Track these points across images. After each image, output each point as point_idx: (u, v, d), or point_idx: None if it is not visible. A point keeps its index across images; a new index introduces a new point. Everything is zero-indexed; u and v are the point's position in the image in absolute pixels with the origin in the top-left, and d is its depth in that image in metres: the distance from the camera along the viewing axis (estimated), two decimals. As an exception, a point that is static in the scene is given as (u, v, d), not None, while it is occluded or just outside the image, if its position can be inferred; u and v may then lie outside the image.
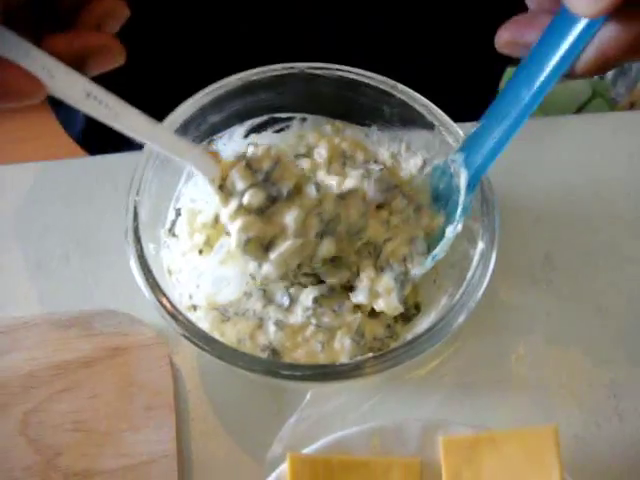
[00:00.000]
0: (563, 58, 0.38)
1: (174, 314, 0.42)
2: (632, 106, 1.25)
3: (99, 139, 0.79)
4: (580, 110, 1.21)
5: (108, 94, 0.38)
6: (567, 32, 0.38)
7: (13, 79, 0.34)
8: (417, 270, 0.48)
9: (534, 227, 0.59)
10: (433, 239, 0.49)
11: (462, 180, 0.46)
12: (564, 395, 0.52)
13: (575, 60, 0.38)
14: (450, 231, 0.47)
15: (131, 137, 0.40)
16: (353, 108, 0.52)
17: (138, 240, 0.44)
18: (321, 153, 0.52)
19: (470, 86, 0.69)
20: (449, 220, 0.48)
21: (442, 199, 0.49)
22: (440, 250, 0.47)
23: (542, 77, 0.40)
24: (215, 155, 0.45)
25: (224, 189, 0.44)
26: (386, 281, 0.47)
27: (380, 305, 0.47)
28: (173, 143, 0.43)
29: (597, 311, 0.55)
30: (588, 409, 0.51)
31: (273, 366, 0.41)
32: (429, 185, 0.50)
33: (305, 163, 0.51)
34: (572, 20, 0.37)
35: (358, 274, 0.48)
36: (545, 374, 0.52)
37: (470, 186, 0.46)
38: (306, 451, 0.45)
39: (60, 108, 0.79)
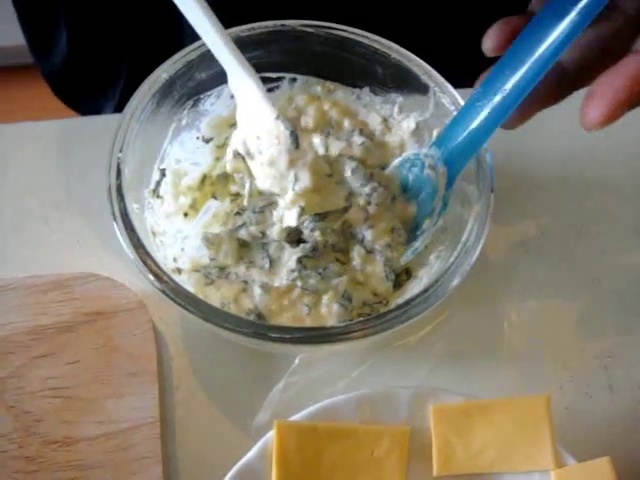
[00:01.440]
0: (546, 57, 0.38)
1: (158, 274, 0.41)
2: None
3: (74, 84, 0.77)
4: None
5: None
6: (551, 28, 0.37)
7: None
8: (398, 261, 0.48)
9: (527, 195, 0.58)
10: (407, 229, 0.49)
11: (441, 177, 0.45)
12: (555, 365, 0.51)
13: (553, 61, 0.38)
14: (431, 225, 0.47)
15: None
16: (345, 69, 0.51)
17: (121, 198, 0.43)
18: (308, 122, 0.50)
19: (467, 51, 0.68)
20: (423, 211, 0.48)
21: (413, 190, 0.49)
22: (421, 244, 0.47)
23: (520, 75, 0.39)
24: None
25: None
26: (376, 264, 0.46)
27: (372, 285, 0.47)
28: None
29: (589, 281, 0.55)
30: (579, 380, 0.51)
31: (261, 328, 0.39)
32: (398, 175, 0.49)
33: None
34: (558, 15, 0.37)
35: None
36: (536, 344, 0.52)
37: (449, 183, 0.45)
38: (293, 418, 0.44)
39: (36, 37, 0.76)
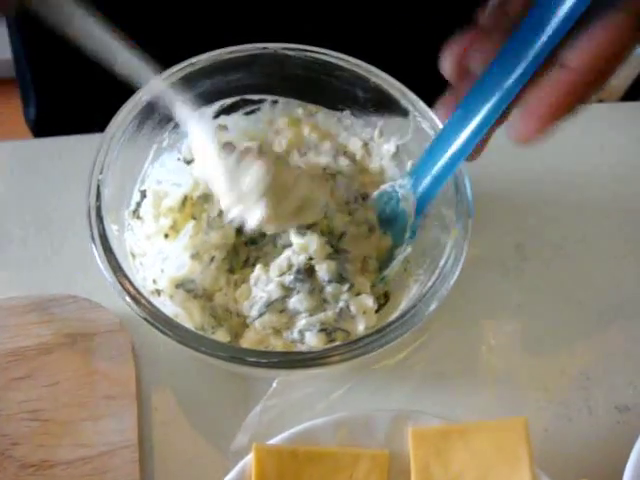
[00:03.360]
0: (501, 99, 0.38)
1: (136, 297, 0.40)
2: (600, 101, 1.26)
3: (52, 126, 0.77)
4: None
5: None
6: (514, 61, 0.37)
7: None
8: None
9: (505, 217, 0.58)
10: (381, 260, 0.49)
11: (410, 204, 0.46)
12: (535, 387, 0.51)
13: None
14: (400, 253, 0.47)
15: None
16: (326, 92, 0.51)
17: (101, 220, 0.42)
18: (282, 143, 0.51)
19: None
20: (396, 243, 0.48)
21: (388, 223, 0.49)
22: (390, 271, 0.47)
23: (482, 115, 0.40)
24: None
25: None
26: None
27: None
28: None
29: (568, 303, 0.55)
30: (558, 402, 0.51)
31: (238, 352, 0.39)
32: (376, 208, 0.49)
33: None
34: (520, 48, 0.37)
35: None
36: (516, 366, 0.52)
37: (418, 210, 0.46)
38: (272, 442, 0.43)
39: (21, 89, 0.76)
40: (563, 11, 0.35)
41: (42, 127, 0.76)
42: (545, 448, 0.49)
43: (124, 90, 0.45)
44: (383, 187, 0.49)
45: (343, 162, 0.51)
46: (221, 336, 0.45)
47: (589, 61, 0.35)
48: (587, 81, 0.36)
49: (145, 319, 0.40)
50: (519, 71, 0.38)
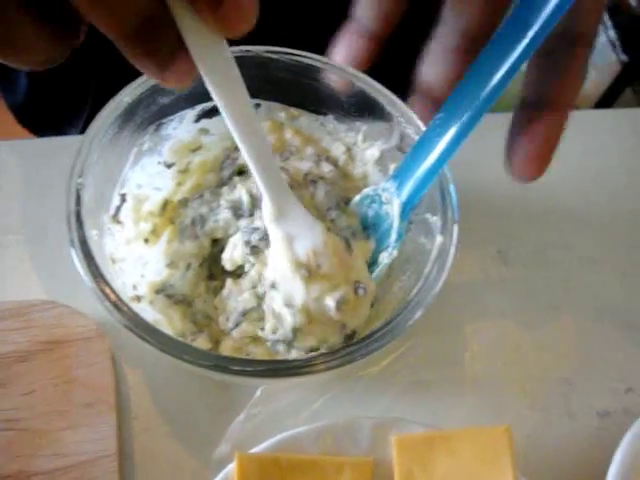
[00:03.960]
0: (485, 101, 0.39)
1: (117, 304, 0.39)
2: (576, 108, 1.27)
3: (39, 114, 0.75)
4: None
5: None
6: (500, 59, 0.38)
7: None
8: None
9: (486, 223, 0.58)
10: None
11: (395, 208, 0.45)
12: (517, 394, 0.51)
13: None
14: (385, 257, 0.46)
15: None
16: (309, 95, 0.50)
17: (80, 225, 0.41)
18: None
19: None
20: (380, 247, 0.47)
21: (371, 226, 0.48)
22: (375, 276, 0.46)
23: (465, 117, 0.40)
24: None
25: None
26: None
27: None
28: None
29: (550, 309, 0.55)
30: (540, 408, 0.50)
31: (222, 361, 0.38)
32: (358, 212, 0.49)
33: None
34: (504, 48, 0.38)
35: None
36: (498, 372, 0.51)
37: (403, 214, 0.45)
38: (255, 450, 0.42)
39: (1, 72, 0.74)
40: (549, 7, 0.36)
41: (30, 108, 0.74)
42: (527, 454, 0.49)
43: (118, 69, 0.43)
44: (365, 190, 0.48)
45: (326, 167, 0.50)
46: (202, 343, 0.44)
47: (574, 97, 0.40)
48: (568, 111, 0.40)
49: (126, 326, 0.38)
50: (503, 71, 0.38)
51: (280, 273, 0.43)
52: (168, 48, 0.30)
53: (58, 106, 0.74)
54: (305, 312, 0.42)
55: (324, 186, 0.48)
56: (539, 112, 0.40)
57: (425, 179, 0.43)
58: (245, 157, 0.39)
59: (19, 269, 0.51)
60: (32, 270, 0.51)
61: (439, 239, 0.43)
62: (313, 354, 0.40)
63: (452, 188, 0.44)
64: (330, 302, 0.42)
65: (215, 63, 0.33)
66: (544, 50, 0.39)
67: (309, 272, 0.42)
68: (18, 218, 0.53)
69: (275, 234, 0.43)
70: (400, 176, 0.45)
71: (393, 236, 0.46)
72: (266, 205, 0.42)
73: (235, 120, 0.37)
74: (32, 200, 0.54)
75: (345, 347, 0.39)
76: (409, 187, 0.44)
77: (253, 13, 0.29)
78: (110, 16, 0.27)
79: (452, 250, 0.42)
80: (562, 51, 0.39)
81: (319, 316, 0.42)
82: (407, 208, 0.45)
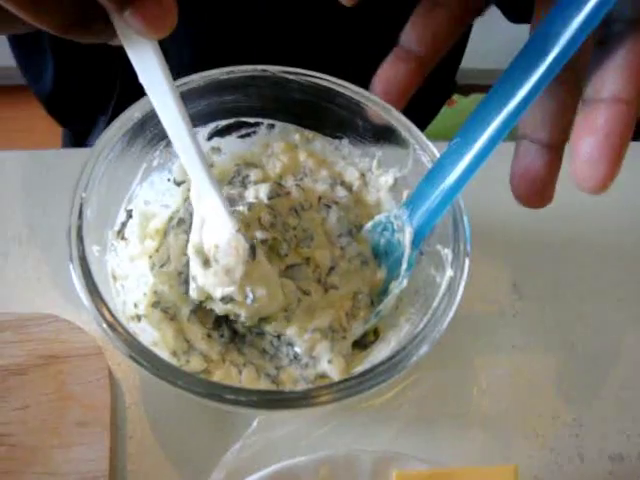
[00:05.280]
0: (504, 125, 0.36)
1: (112, 324, 0.37)
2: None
3: (66, 103, 0.74)
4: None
5: None
6: (519, 82, 0.35)
7: None
8: (359, 327, 0.45)
9: (502, 255, 0.55)
10: (375, 293, 0.46)
11: (407, 236, 0.43)
12: (525, 432, 0.48)
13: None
14: (395, 287, 0.44)
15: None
16: (325, 118, 0.48)
17: (81, 241, 0.39)
18: (275, 166, 0.48)
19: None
20: (390, 276, 0.45)
21: (383, 254, 0.46)
22: (384, 307, 0.44)
23: (482, 143, 0.37)
24: None
25: None
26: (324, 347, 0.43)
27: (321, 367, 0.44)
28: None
29: (564, 345, 0.52)
30: (549, 448, 0.47)
31: (215, 389, 0.36)
32: (370, 240, 0.47)
33: (254, 174, 0.47)
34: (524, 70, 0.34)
35: None
36: (507, 409, 0.48)
37: (415, 242, 0.43)
38: (249, 479, 0.40)
39: (26, 62, 0.73)
40: (575, 24, 0.32)
41: (57, 97, 0.73)
42: (534, 496, 0.46)
43: None
44: (378, 217, 0.46)
45: (340, 192, 0.48)
46: (196, 363, 0.42)
47: (629, 87, 0.33)
48: (634, 108, 0.33)
49: (119, 347, 0.36)
50: (521, 96, 0.35)
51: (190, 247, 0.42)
52: None
53: (85, 94, 0.73)
54: (201, 291, 0.42)
55: (337, 212, 0.46)
56: (595, 107, 0.34)
57: (439, 207, 0.41)
58: (170, 136, 0.39)
59: (21, 280, 0.49)
60: (35, 282, 0.49)
61: (449, 273, 0.40)
62: (312, 386, 0.38)
63: (466, 219, 0.41)
64: (217, 294, 0.41)
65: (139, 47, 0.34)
66: (596, 39, 0.34)
67: (206, 261, 0.41)
68: (24, 229, 0.51)
69: (196, 212, 0.42)
70: (413, 203, 0.42)
71: (404, 265, 0.44)
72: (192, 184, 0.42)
73: (157, 100, 0.37)
74: (39, 211, 0.52)
75: (346, 381, 0.37)
76: (422, 215, 0.42)
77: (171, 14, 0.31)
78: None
79: (462, 285, 0.39)
80: (617, 38, 0.34)
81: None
82: (419, 237, 0.43)
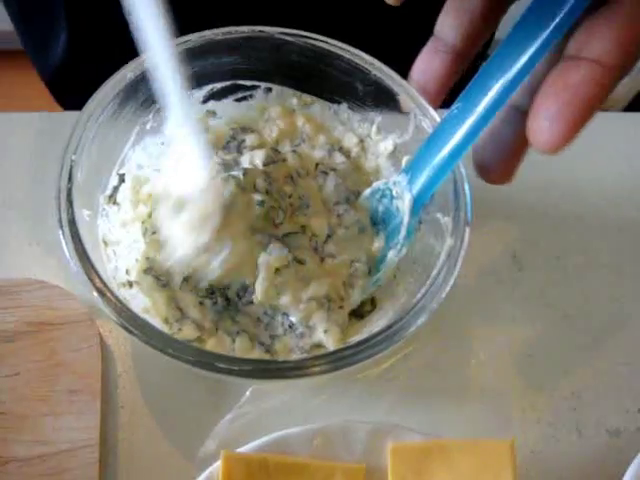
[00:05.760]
0: (504, 91, 0.34)
1: (102, 290, 0.36)
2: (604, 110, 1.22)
3: (75, 79, 0.72)
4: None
5: None
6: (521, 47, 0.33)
7: None
8: (356, 296, 0.43)
9: (502, 224, 0.53)
10: (373, 262, 0.45)
11: (406, 203, 0.41)
12: (523, 406, 0.47)
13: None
14: (394, 255, 0.43)
15: None
16: (324, 82, 0.46)
17: (70, 204, 0.38)
18: (272, 131, 0.47)
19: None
20: (389, 244, 0.44)
21: (381, 222, 0.45)
22: (382, 275, 0.43)
23: (482, 108, 0.35)
24: None
25: None
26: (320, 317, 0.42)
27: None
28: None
29: (564, 318, 0.50)
30: (547, 422, 0.46)
31: (207, 357, 0.34)
32: (368, 207, 0.45)
33: (250, 139, 0.46)
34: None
35: None
36: (504, 383, 0.47)
37: (414, 209, 0.41)
38: (242, 450, 0.39)
39: (33, 37, 0.70)
40: None
41: (69, 69, 0.70)
42: (530, 470, 0.45)
43: None
44: (376, 184, 0.44)
45: (338, 158, 0.46)
46: (188, 332, 0.41)
47: (615, 51, 0.30)
48: (613, 75, 0.31)
49: (109, 313, 0.35)
50: (525, 58, 0.33)
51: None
52: None
53: (92, 74, 0.71)
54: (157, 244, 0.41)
55: (334, 179, 0.45)
56: (572, 65, 0.31)
57: (439, 173, 0.39)
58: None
59: (14, 245, 0.48)
60: (26, 247, 0.48)
61: (449, 241, 0.39)
62: (306, 356, 0.37)
63: (467, 187, 0.40)
64: (185, 246, 0.40)
65: None
66: None
67: (179, 206, 0.40)
68: (16, 193, 0.50)
69: (170, 153, 0.41)
70: (413, 169, 0.41)
71: (402, 232, 0.42)
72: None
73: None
74: (30, 175, 0.51)
75: (341, 350, 0.35)
76: (421, 181, 0.40)
77: None
78: None
79: (462, 254, 0.38)
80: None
81: None
82: (419, 204, 0.41)
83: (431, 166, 0.39)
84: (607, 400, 0.48)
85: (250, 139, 0.46)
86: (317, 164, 0.46)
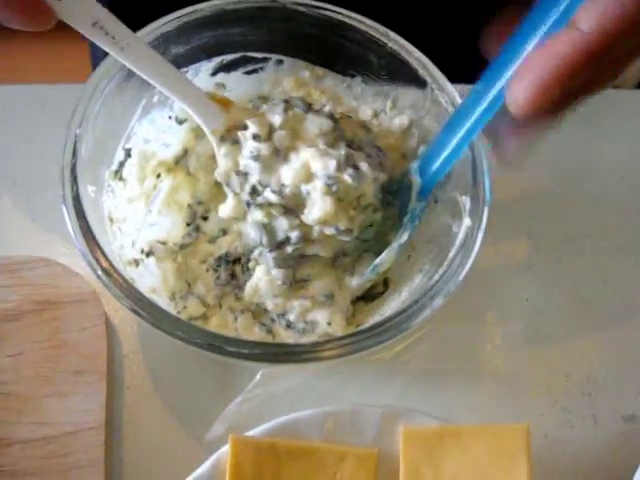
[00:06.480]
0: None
1: (107, 270, 0.34)
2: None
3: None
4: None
5: (117, 25, 0.35)
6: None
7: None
8: (356, 281, 0.42)
9: (519, 207, 0.52)
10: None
11: (414, 187, 0.40)
12: (538, 391, 0.45)
13: None
14: (395, 240, 0.41)
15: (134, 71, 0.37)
16: (337, 54, 0.44)
17: (75, 180, 0.36)
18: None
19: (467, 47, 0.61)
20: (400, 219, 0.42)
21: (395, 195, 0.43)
22: (382, 261, 0.41)
23: (491, 95, 0.34)
24: (225, 102, 0.39)
25: (227, 140, 0.39)
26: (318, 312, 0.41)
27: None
28: (178, 84, 0.38)
29: (579, 301, 0.49)
30: (562, 407, 0.45)
31: (217, 340, 0.33)
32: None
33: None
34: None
35: None
36: (519, 367, 0.46)
37: (422, 194, 0.40)
38: (250, 433, 0.38)
39: None
40: None
41: None
42: (543, 455, 0.43)
43: None
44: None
45: (360, 133, 0.44)
46: (193, 309, 0.40)
47: (599, 23, 0.29)
48: (595, 49, 0.29)
49: (115, 294, 0.34)
50: (536, 39, 0.31)
51: None
52: None
53: None
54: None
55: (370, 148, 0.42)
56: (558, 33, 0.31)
57: (447, 160, 0.38)
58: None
59: (16, 222, 0.46)
60: (30, 223, 0.46)
61: (467, 222, 0.37)
62: (318, 340, 0.35)
63: (486, 166, 0.38)
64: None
65: None
66: None
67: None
68: (19, 168, 0.48)
69: None
70: (425, 154, 0.40)
71: (407, 216, 0.41)
72: None
73: None
74: (35, 149, 0.49)
75: (354, 334, 0.34)
76: (431, 167, 0.39)
77: None
78: None
79: (480, 236, 0.36)
80: None
81: None
82: (426, 189, 0.40)
83: (442, 148, 0.38)
84: (623, 385, 0.46)
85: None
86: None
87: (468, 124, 0.36)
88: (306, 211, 0.38)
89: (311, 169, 0.38)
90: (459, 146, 0.37)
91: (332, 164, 0.37)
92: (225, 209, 0.40)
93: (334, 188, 0.37)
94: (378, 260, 0.41)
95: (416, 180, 0.40)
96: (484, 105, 0.35)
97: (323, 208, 0.37)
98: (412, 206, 0.40)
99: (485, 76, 0.35)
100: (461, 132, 0.37)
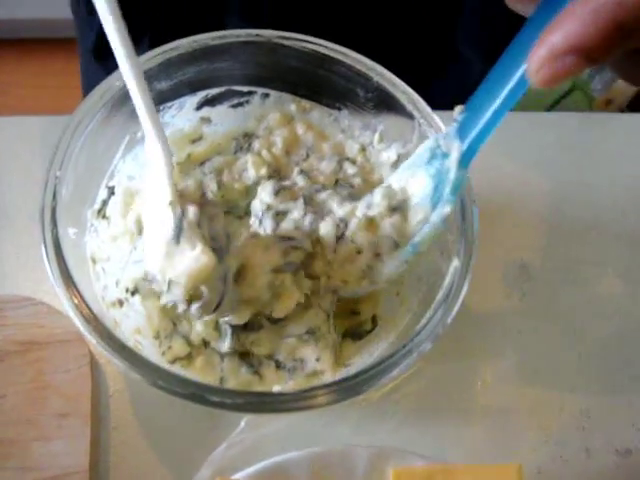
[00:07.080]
0: None
1: (86, 315, 0.33)
2: (608, 104, 1.18)
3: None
4: (558, 102, 1.11)
5: None
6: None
7: None
8: (390, 268, 0.39)
9: (511, 233, 0.51)
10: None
11: (454, 153, 0.36)
12: (530, 424, 0.44)
13: None
14: (436, 218, 0.37)
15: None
16: (323, 88, 0.43)
17: (54, 223, 0.35)
18: (277, 142, 0.44)
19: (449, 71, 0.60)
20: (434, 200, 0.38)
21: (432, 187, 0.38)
22: (421, 238, 0.37)
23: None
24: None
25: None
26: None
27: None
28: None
29: (571, 332, 0.48)
30: (555, 441, 0.44)
31: (199, 389, 0.32)
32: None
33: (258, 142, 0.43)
34: None
35: None
36: (511, 400, 0.45)
37: (464, 161, 0.36)
38: (237, 476, 0.37)
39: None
40: None
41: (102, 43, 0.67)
42: (537, 491, 0.42)
43: None
44: (424, 144, 0.38)
45: (350, 169, 0.43)
46: (178, 349, 0.39)
47: None
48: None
49: (95, 341, 0.33)
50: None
51: None
52: None
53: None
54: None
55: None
56: None
57: (492, 120, 0.34)
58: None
59: (2, 262, 0.45)
60: (14, 261, 0.45)
61: (455, 263, 0.36)
62: (304, 388, 0.34)
63: (475, 210, 0.37)
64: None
65: None
66: None
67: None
68: (4, 203, 0.47)
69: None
70: (463, 118, 0.35)
71: (447, 188, 0.36)
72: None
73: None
74: (20, 185, 0.48)
75: (339, 382, 0.33)
76: (473, 129, 0.35)
77: None
78: None
79: (468, 277, 0.35)
80: None
81: None
82: (469, 154, 0.35)
83: (484, 113, 0.34)
84: (617, 418, 0.45)
85: (258, 142, 0.43)
86: (337, 180, 0.43)
87: (511, 83, 0.32)
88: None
89: None
90: (504, 106, 0.33)
91: None
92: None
93: None
94: (418, 238, 0.38)
95: (457, 144, 0.35)
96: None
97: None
98: (453, 175, 0.36)
99: (526, 26, 0.31)
100: (503, 91, 0.32)
